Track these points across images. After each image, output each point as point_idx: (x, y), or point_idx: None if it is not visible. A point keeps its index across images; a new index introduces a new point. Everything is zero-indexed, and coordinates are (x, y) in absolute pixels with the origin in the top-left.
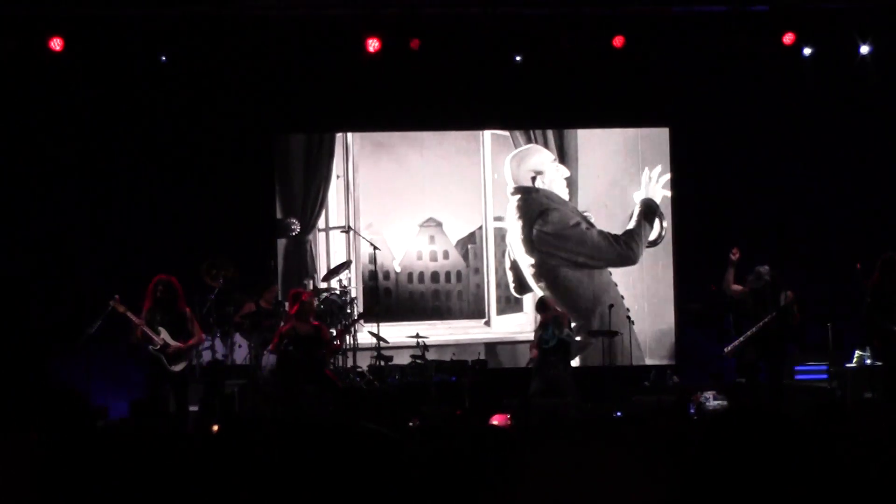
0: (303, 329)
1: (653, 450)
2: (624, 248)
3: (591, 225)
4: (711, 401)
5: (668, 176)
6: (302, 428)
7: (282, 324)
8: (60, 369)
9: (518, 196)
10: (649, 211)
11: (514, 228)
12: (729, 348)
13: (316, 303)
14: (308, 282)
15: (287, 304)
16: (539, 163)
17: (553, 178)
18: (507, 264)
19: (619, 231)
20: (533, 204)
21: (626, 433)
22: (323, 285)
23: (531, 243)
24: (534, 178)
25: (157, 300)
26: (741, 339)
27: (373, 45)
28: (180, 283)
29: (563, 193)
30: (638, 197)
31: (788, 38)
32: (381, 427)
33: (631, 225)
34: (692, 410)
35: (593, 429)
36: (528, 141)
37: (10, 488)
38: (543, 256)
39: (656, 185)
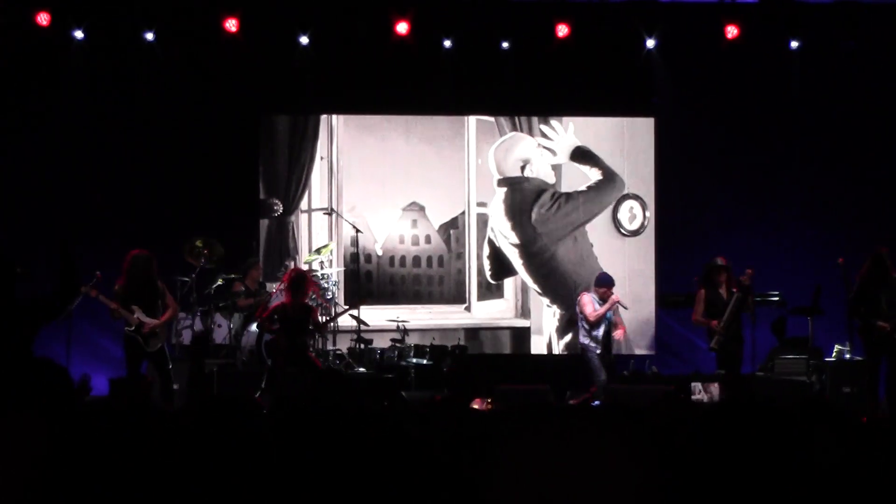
0: (292, 310)
1: (644, 438)
2: (604, 184)
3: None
4: (697, 393)
5: (572, 126)
6: (289, 409)
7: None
8: (42, 345)
9: (506, 188)
10: (587, 155)
11: (502, 218)
12: (714, 344)
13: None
14: (290, 263)
15: (278, 284)
16: (526, 151)
17: (540, 166)
18: (486, 252)
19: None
20: (526, 192)
21: (617, 421)
22: (304, 267)
23: (531, 228)
24: (523, 168)
25: (131, 276)
26: (721, 328)
27: (360, 28)
28: (155, 257)
29: (550, 178)
30: (562, 153)
31: (776, 31)
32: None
33: (593, 178)
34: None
35: (579, 415)
36: (514, 127)
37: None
38: (544, 238)
39: (567, 134)
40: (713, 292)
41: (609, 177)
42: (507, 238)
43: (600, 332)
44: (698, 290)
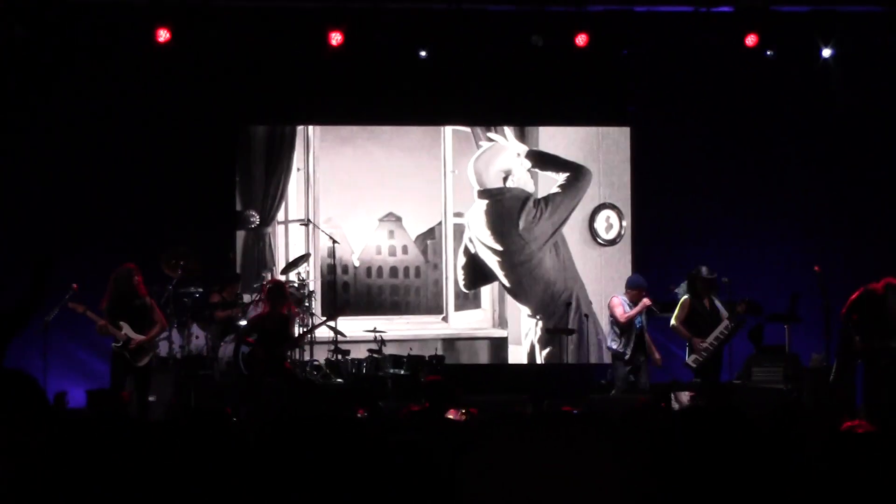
0: (270, 321)
1: (622, 446)
2: (574, 178)
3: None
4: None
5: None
6: (267, 419)
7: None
8: (19, 357)
9: (488, 199)
10: (544, 158)
11: (484, 229)
12: (694, 364)
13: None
14: (266, 274)
15: (253, 295)
16: (507, 162)
17: (521, 174)
18: (462, 261)
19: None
20: (511, 202)
21: (595, 429)
22: (282, 278)
23: (519, 237)
24: (505, 179)
25: (116, 291)
26: (704, 349)
27: (336, 38)
28: (139, 271)
29: (530, 187)
30: (516, 160)
31: (751, 40)
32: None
33: (560, 181)
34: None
35: (554, 423)
36: (489, 139)
37: None
38: (532, 245)
39: (513, 141)
40: (697, 302)
41: (575, 169)
42: (490, 248)
43: (631, 335)
44: (684, 297)
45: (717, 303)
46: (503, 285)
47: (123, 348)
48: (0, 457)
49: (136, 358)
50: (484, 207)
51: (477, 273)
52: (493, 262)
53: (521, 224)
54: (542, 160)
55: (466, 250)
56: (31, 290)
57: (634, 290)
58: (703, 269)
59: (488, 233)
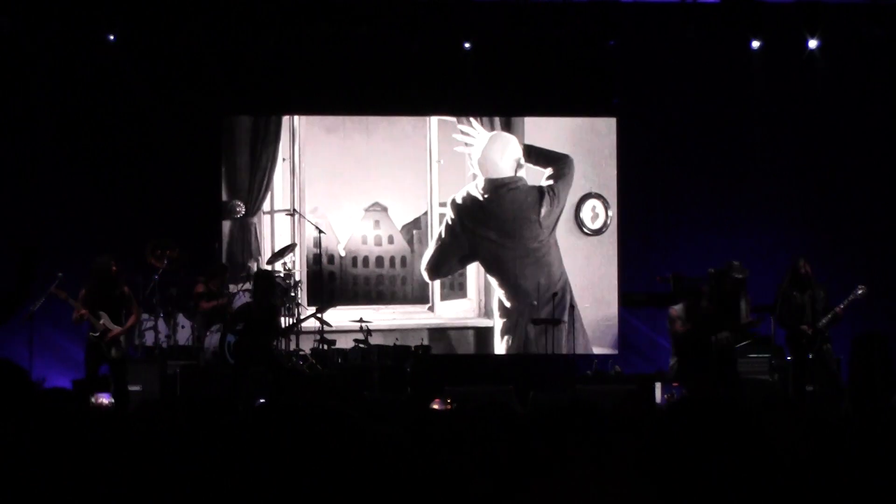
0: (256, 311)
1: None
2: (561, 165)
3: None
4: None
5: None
6: (252, 408)
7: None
8: (3, 346)
9: (501, 189)
10: (532, 151)
11: (487, 217)
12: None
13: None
14: (252, 264)
15: (238, 285)
16: (518, 150)
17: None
18: (433, 246)
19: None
20: (527, 192)
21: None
22: (268, 268)
23: (537, 226)
24: (518, 168)
25: (98, 282)
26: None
27: (323, 28)
28: (120, 263)
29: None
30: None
31: (737, 31)
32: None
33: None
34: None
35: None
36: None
37: None
38: (545, 233)
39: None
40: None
41: (563, 158)
42: (492, 238)
43: None
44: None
45: (743, 304)
46: (497, 274)
47: (100, 339)
48: None
49: (111, 349)
50: (492, 196)
51: (444, 261)
52: (491, 250)
53: (543, 211)
54: (533, 153)
55: (442, 237)
56: (19, 280)
57: None
58: (735, 266)
59: (498, 221)
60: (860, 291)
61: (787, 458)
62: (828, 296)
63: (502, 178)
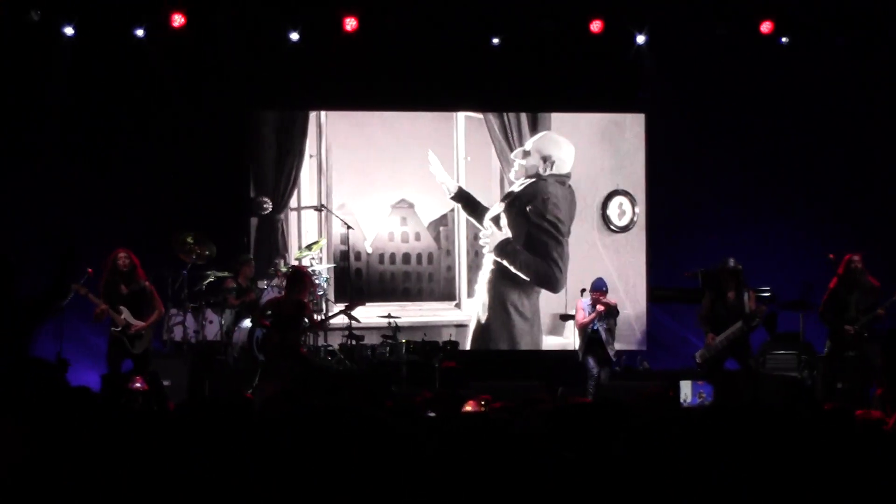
0: (286, 306)
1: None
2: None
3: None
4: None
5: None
6: (279, 407)
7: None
8: (34, 341)
9: (557, 183)
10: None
11: (560, 212)
12: (699, 359)
13: None
14: (279, 260)
15: (277, 280)
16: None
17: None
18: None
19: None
20: (569, 187)
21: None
22: (295, 262)
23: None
24: (553, 164)
25: (116, 274)
26: (715, 346)
27: (350, 23)
28: (143, 258)
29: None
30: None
31: (766, 27)
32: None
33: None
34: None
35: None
36: (502, 124)
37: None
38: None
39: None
40: (719, 297)
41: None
42: (559, 229)
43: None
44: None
45: (746, 297)
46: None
47: (123, 333)
48: (23, 443)
49: (135, 344)
50: (559, 190)
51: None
52: (554, 240)
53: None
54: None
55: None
56: (56, 279)
57: (594, 293)
58: (730, 262)
59: (566, 215)
60: None
61: (816, 462)
62: (878, 299)
63: (559, 174)
